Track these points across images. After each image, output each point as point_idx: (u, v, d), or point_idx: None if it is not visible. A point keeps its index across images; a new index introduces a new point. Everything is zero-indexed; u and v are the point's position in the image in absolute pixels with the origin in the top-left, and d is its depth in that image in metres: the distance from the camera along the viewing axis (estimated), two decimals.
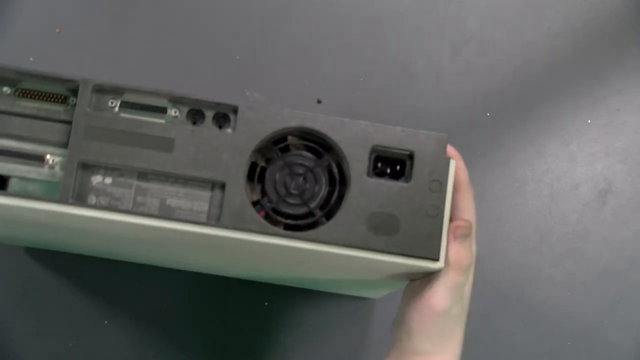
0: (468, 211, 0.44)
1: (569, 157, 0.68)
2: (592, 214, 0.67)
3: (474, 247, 0.44)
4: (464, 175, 0.45)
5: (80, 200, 0.40)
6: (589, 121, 0.68)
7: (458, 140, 0.68)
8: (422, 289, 0.43)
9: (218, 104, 0.41)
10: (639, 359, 0.66)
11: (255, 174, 0.41)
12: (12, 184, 0.41)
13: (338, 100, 0.69)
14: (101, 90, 0.41)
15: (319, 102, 0.69)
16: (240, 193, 0.40)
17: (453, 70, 0.69)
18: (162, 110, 0.41)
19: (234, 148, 0.40)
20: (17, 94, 0.41)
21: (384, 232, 0.40)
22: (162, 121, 0.41)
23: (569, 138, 0.68)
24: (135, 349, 0.65)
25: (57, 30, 0.69)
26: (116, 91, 0.41)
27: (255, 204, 0.41)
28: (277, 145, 0.41)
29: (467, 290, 0.44)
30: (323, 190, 0.41)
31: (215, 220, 0.40)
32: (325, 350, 0.65)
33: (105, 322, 0.65)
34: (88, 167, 0.41)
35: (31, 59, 0.69)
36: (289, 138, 0.41)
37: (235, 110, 0.41)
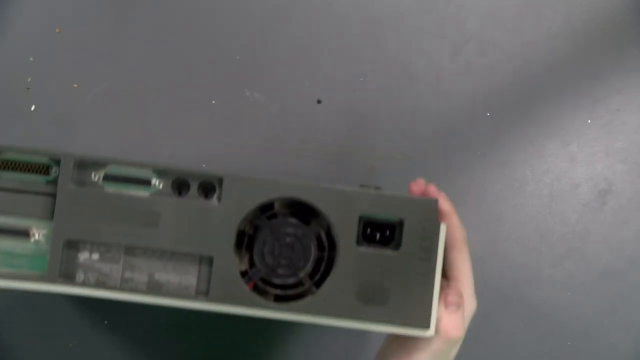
0: (464, 271, 0.43)
1: (569, 157, 0.68)
2: (592, 214, 0.67)
3: (473, 303, 0.43)
4: (460, 234, 0.44)
5: (67, 278, 0.40)
6: (589, 121, 0.68)
7: (458, 140, 0.69)
8: (409, 346, 0.42)
9: (203, 175, 0.40)
10: (639, 359, 0.66)
11: (243, 243, 0.41)
12: None
13: (338, 100, 0.69)
14: (83, 164, 0.41)
15: (319, 102, 0.69)
16: (228, 267, 0.40)
17: (453, 70, 0.69)
18: (146, 183, 0.41)
19: (220, 221, 0.40)
20: None
21: (373, 302, 0.40)
22: (146, 193, 0.40)
23: (569, 138, 0.68)
24: (136, 349, 0.65)
25: (57, 30, 0.69)
26: (99, 164, 0.41)
27: (243, 273, 0.41)
28: (264, 212, 0.41)
29: (453, 354, 0.43)
30: (312, 258, 0.41)
31: (203, 294, 0.40)
32: (325, 350, 0.65)
33: (105, 322, 0.65)
34: (74, 244, 0.40)
35: (31, 59, 0.69)
36: (276, 204, 0.41)
37: (220, 180, 0.40)
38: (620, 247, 0.67)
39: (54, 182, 0.40)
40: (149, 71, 0.69)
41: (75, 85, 0.69)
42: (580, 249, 0.67)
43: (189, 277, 0.41)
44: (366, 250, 0.40)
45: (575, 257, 0.67)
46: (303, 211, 0.41)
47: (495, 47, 0.69)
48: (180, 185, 0.41)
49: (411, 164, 0.68)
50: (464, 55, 0.69)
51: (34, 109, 0.69)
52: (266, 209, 0.41)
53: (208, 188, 0.41)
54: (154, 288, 0.40)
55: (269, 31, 0.69)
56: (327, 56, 0.69)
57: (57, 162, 0.40)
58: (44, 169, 0.41)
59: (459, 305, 0.41)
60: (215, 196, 0.40)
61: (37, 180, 0.40)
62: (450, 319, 0.40)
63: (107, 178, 0.41)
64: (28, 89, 0.69)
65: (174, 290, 0.40)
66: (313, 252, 0.41)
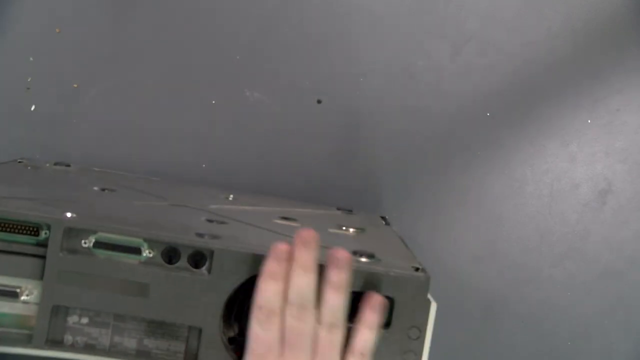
0: None
1: (569, 157, 0.68)
2: (592, 214, 0.67)
3: None
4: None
5: (55, 343, 0.40)
6: (589, 121, 0.68)
7: (458, 140, 0.69)
8: None
9: (194, 246, 0.40)
10: (639, 359, 0.66)
11: (232, 311, 0.40)
12: None
13: (338, 100, 0.69)
14: (73, 231, 0.40)
15: (319, 102, 0.69)
16: (216, 337, 0.40)
17: (453, 70, 0.69)
18: (137, 251, 0.40)
19: (210, 292, 0.39)
20: None
21: None
22: (136, 262, 0.40)
23: (569, 138, 0.68)
24: None
25: (57, 30, 0.69)
26: (88, 231, 0.40)
27: (231, 340, 0.40)
28: (253, 282, 0.40)
29: None
30: None
31: None
32: None
33: None
34: (63, 309, 0.40)
35: (31, 59, 0.69)
36: None
37: (211, 253, 0.40)
38: (620, 247, 0.67)
39: (44, 243, 0.39)
40: (149, 71, 0.69)
41: (75, 85, 0.69)
42: (580, 249, 0.67)
43: (178, 343, 0.40)
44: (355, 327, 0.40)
45: (575, 257, 0.67)
46: None
47: (495, 47, 0.69)
48: (170, 254, 0.40)
49: (411, 164, 0.68)
50: (464, 55, 0.69)
51: (34, 109, 0.69)
52: (255, 279, 0.40)
53: (198, 258, 0.40)
54: (143, 354, 0.40)
55: (269, 31, 0.69)
56: (327, 56, 0.69)
57: (47, 224, 0.39)
58: (33, 230, 0.40)
59: None
60: (205, 267, 0.40)
61: (26, 241, 0.40)
62: None
63: (98, 245, 0.40)
64: (28, 89, 0.69)
65: (163, 356, 0.40)
66: None
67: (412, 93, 0.69)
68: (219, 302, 0.40)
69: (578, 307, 0.66)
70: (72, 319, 0.40)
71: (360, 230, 0.50)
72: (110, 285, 0.39)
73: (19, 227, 0.40)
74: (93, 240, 0.40)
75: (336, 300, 0.38)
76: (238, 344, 0.41)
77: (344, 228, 0.51)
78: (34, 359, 0.44)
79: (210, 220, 0.46)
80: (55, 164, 0.63)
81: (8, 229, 0.40)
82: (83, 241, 0.40)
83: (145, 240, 0.40)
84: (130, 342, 0.40)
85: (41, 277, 0.39)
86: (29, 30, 0.69)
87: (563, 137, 0.68)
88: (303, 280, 0.38)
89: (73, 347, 0.40)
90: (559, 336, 0.66)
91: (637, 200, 0.67)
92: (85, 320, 0.40)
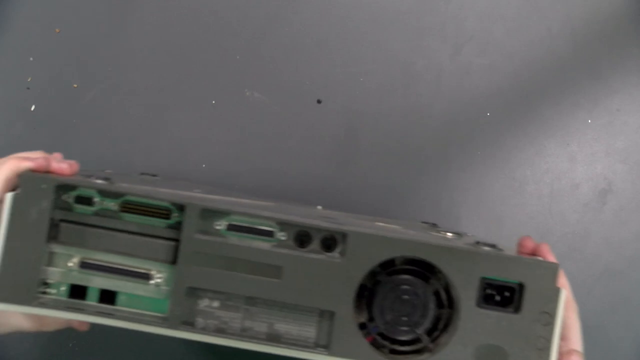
0: (575, 331, 0.43)
1: (569, 157, 0.68)
2: (592, 214, 0.67)
3: None
4: (569, 293, 0.43)
5: (188, 324, 0.40)
6: (589, 121, 0.68)
7: (458, 141, 0.69)
8: None
9: (327, 230, 0.40)
10: (639, 359, 0.66)
11: (362, 296, 0.41)
12: (120, 300, 0.41)
13: (338, 100, 0.69)
14: (207, 213, 0.40)
15: (319, 102, 0.69)
16: (348, 322, 0.40)
17: (453, 70, 0.69)
18: (269, 234, 0.40)
19: (343, 276, 0.40)
20: (121, 208, 0.40)
21: None
22: (268, 245, 0.40)
23: (569, 138, 0.68)
24: (136, 349, 0.65)
25: (57, 30, 0.69)
26: (222, 213, 0.40)
27: (361, 326, 0.40)
28: (385, 268, 0.40)
29: None
30: (430, 316, 0.41)
31: (323, 347, 0.40)
32: None
33: None
34: (195, 292, 0.40)
35: (31, 58, 0.69)
36: (397, 260, 0.41)
37: (344, 236, 0.40)
38: (620, 247, 0.67)
39: (174, 226, 0.40)
40: (149, 71, 0.69)
41: (75, 85, 0.69)
42: (580, 249, 0.67)
43: (309, 328, 0.41)
44: (486, 312, 0.40)
45: (575, 257, 0.67)
46: (423, 267, 0.41)
47: (495, 47, 0.69)
48: (302, 237, 0.40)
49: (411, 164, 0.68)
50: (464, 55, 0.69)
51: (34, 109, 0.69)
52: (387, 265, 0.41)
53: (330, 242, 0.40)
54: (273, 338, 0.40)
55: (269, 31, 0.69)
56: (327, 56, 0.69)
57: (178, 207, 0.40)
58: (164, 213, 0.40)
59: None
60: (337, 251, 0.40)
61: (157, 224, 0.40)
62: None
63: (231, 228, 0.40)
64: (28, 89, 0.69)
65: (293, 340, 0.40)
66: (432, 310, 0.41)
67: (412, 93, 0.69)
68: (352, 286, 0.40)
69: (578, 307, 0.66)
70: (204, 302, 0.40)
71: (457, 234, 0.51)
72: (243, 267, 0.40)
73: (150, 210, 0.40)
74: (226, 224, 0.40)
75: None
76: (369, 332, 0.41)
77: (442, 232, 0.52)
78: (150, 338, 0.43)
79: (323, 216, 0.47)
80: (142, 174, 0.63)
81: (140, 212, 0.40)
82: (216, 223, 0.40)
83: (278, 223, 0.40)
84: (260, 327, 0.41)
85: (170, 260, 0.40)
86: (29, 30, 0.69)
87: (563, 137, 0.68)
88: None
89: (204, 330, 0.40)
90: None
91: (638, 201, 0.67)
92: (216, 303, 0.41)
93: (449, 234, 0.50)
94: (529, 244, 0.46)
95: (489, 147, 0.68)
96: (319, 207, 0.59)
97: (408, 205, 0.68)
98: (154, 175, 0.63)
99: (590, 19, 0.69)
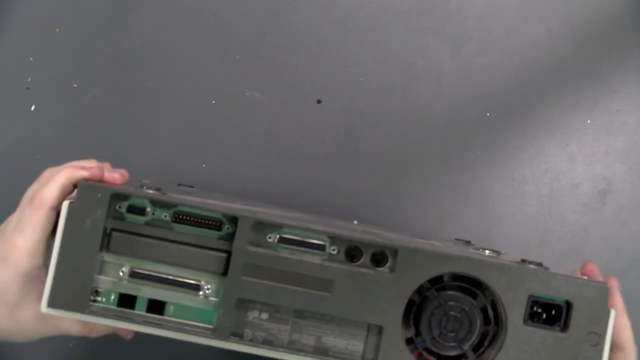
0: (629, 339, 0.42)
1: (568, 157, 0.68)
2: (591, 214, 0.67)
3: None
4: (628, 334, 0.43)
5: (236, 336, 0.40)
6: (589, 121, 0.68)
7: (458, 140, 0.69)
8: None
9: (378, 245, 0.40)
10: (639, 359, 0.66)
11: (410, 311, 0.41)
12: (168, 310, 0.41)
13: (338, 100, 0.69)
14: (260, 225, 0.40)
15: (319, 102, 0.69)
16: (397, 337, 0.40)
17: (453, 70, 0.69)
18: (321, 247, 0.41)
19: (392, 291, 0.40)
20: (173, 218, 0.40)
21: None
22: (319, 258, 0.40)
23: (569, 138, 0.68)
24: (136, 349, 0.65)
25: (57, 30, 0.69)
26: (274, 226, 0.40)
27: (408, 340, 0.41)
28: (433, 284, 0.41)
29: None
30: (477, 332, 0.41)
31: None
32: None
33: None
34: (244, 303, 0.40)
35: (31, 58, 0.69)
36: (445, 276, 0.41)
37: (395, 252, 0.40)
38: (620, 247, 0.67)
39: (226, 237, 0.40)
40: (149, 71, 0.69)
41: (75, 85, 0.69)
42: (580, 249, 0.67)
43: (356, 342, 0.41)
44: (533, 329, 0.40)
45: (575, 257, 0.67)
46: (471, 284, 0.41)
47: (495, 47, 0.69)
48: (352, 252, 0.41)
49: (411, 164, 0.68)
50: (464, 55, 0.69)
51: (34, 109, 0.69)
52: (435, 281, 0.41)
53: (380, 257, 0.40)
54: (321, 351, 0.40)
55: (269, 31, 0.69)
56: (327, 56, 0.69)
57: (230, 219, 0.40)
58: (216, 225, 0.40)
59: None
60: (387, 266, 0.40)
61: (209, 235, 0.40)
62: None
63: (282, 240, 0.40)
64: (28, 89, 0.69)
65: (340, 354, 0.41)
66: (478, 326, 0.41)
67: (412, 93, 0.69)
68: (401, 301, 0.40)
69: None
70: (252, 314, 0.41)
71: (495, 252, 0.51)
72: (294, 280, 0.40)
73: (202, 221, 0.41)
74: (278, 236, 0.40)
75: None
76: (415, 347, 0.41)
77: (480, 250, 0.52)
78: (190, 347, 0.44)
79: (366, 231, 0.47)
80: (179, 184, 0.63)
81: (192, 223, 0.41)
82: (268, 236, 0.40)
83: (329, 237, 0.40)
84: (308, 340, 0.41)
85: (221, 272, 0.40)
86: (29, 30, 0.69)
87: (563, 137, 0.68)
88: None
89: (252, 342, 0.40)
90: None
91: (637, 201, 0.67)
92: (265, 315, 0.41)
93: (487, 252, 0.51)
94: (590, 270, 0.46)
95: (489, 147, 0.68)
96: (355, 222, 0.60)
97: (408, 205, 0.68)
98: (190, 187, 0.63)
99: (590, 19, 0.69)
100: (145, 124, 0.69)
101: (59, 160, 0.67)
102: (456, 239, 0.65)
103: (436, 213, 0.68)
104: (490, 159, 0.68)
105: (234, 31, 0.69)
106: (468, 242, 0.63)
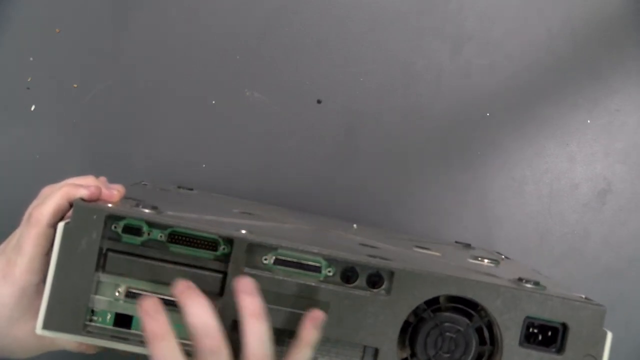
0: None
1: (568, 157, 0.68)
2: (591, 214, 0.67)
3: None
4: None
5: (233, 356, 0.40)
6: (589, 121, 0.68)
7: (458, 140, 0.69)
8: None
9: (374, 267, 0.40)
10: (639, 359, 0.66)
11: (406, 333, 0.41)
12: None
13: (338, 100, 0.69)
14: (255, 247, 0.40)
15: (319, 102, 0.69)
16: (392, 358, 0.40)
17: (453, 70, 0.69)
18: (316, 269, 0.41)
19: (388, 313, 0.40)
20: (168, 239, 0.40)
21: None
22: (315, 280, 0.40)
23: (569, 138, 0.68)
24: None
25: (57, 30, 0.69)
26: (270, 248, 0.40)
27: None
28: (429, 306, 0.41)
29: None
30: (473, 353, 0.41)
31: None
32: None
33: None
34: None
35: (31, 58, 0.69)
36: (441, 298, 0.41)
37: (391, 274, 0.40)
38: (620, 247, 0.67)
39: (221, 258, 0.40)
40: (149, 71, 0.69)
41: (75, 85, 0.69)
42: (580, 249, 0.67)
43: None
44: (529, 351, 0.40)
45: (575, 257, 0.67)
46: (466, 304, 0.41)
47: (495, 47, 0.69)
48: (348, 273, 0.41)
49: (411, 164, 0.68)
50: (464, 55, 0.69)
51: (34, 109, 0.69)
52: (431, 302, 0.41)
53: (376, 278, 0.41)
54: None
55: (269, 31, 0.69)
56: (327, 56, 0.69)
57: (226, 240, 0.40)
58: (211, 245, 0.40)
59: None
60: (383, 287, 0.40)
61: (204, 256, 0.40)
62: None
63: (278, 262, 0.40)
64: (28, 89, 0.69)
65: None
66: (474, 347, 0.41)
67: (412, 93, 0.69)
68: (397, 322, 0.40)
69: None
70: None
71: (494, 261, 0.51)
72: (289, 302, 0.40)
73: (198, 242, 0.41)
74: (274, 258, 0.41)
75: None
76: None
77: (479, 259, 0.52)
78: None
79: (363, 244, 0.47)
80: (179, 187, 0.63)
81: (188, 244, 0.41)
82: (264, 257, 0.40)
83: (325, 259, 0.41)
84: None
85: (217, 292, 0.40)
86: (29, 30, 0.69)
87: (562, 137, 0.68)
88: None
89: None
90: None
91: (637, 201, 0.67)
92: None
93: (486, 261, 0.51)
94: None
95: (489, 148, 0.68)
96: (355, 226, 0.60)
97: (408, 205, 0.68)
98: (190, 189, 0.63)
99: (590, 19, 0.69)
100: (145, 124, 0.69)
101: (59, 160, 0.68)
102: (456, 242, 0.65)
103: (436, 213, 0.68)
104: (490, 159, 0.68)
105: (234, 31, 0.69)
106: (468, 245, 0.63)
